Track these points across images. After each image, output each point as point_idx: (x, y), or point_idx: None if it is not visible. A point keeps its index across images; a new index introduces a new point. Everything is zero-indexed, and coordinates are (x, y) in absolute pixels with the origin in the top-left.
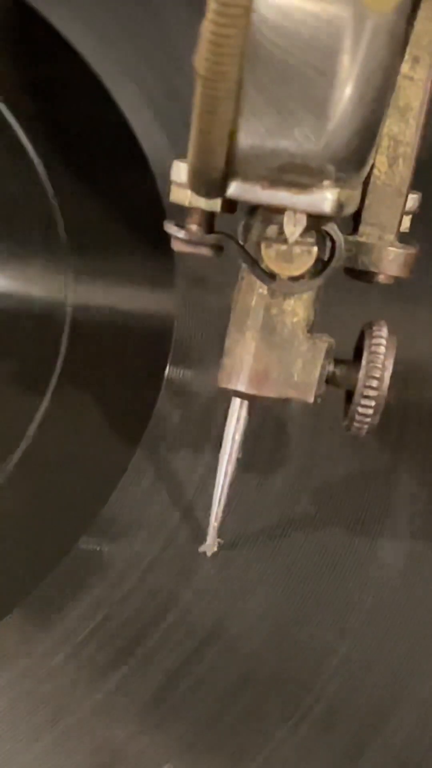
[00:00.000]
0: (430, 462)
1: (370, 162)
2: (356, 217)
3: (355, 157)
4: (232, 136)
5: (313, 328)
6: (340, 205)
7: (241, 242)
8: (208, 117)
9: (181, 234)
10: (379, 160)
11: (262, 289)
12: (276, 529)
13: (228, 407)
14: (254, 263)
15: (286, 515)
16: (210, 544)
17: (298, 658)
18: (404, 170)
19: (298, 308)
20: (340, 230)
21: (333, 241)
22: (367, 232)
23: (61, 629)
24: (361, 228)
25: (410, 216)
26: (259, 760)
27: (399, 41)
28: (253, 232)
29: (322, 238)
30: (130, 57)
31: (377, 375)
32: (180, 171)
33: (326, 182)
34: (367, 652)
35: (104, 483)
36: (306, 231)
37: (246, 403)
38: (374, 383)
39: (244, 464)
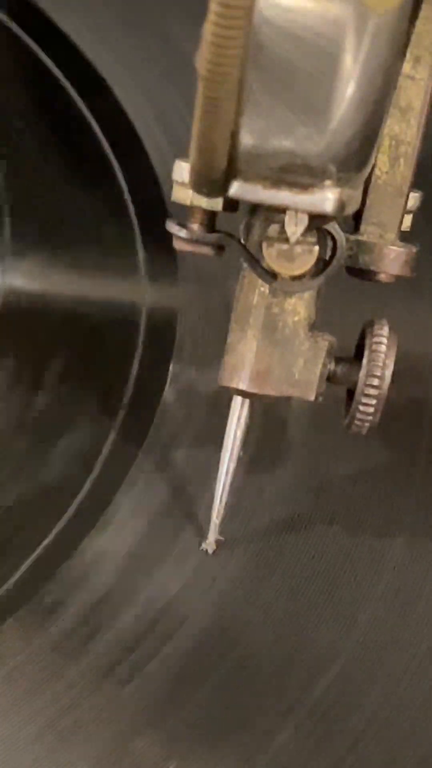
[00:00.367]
0: None
1: (372, 162)
2: (357, 217)
3: (356, 157)
4: (234, 136)
5: (314, 327)
6: (341, 205)
7: (242, 241)
8: (209, 117)
9: (183, 233)
10: (381, 160)
11: (264, 287)
12: (279, 528)
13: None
14: (256, 262)
15: (289, 513)
16: (211, 542)
17: (300, 656)
18: (405, 170)
19: (299, 307)
20: (342, 229)
21: (334, 240)
22: (368, 231)
23: (62, 628)
24: (363, 227)
25: (411, 215)
26: (262, 759)
27: (400, 41)
28: (255, 232)
29: (324, 237)
30: (134, 56)
31: (378, 373)
32: (182, 170)
33: (328, 182)
34: (371, 650)
35: (107, 480)
36: (307, 230)
37: (247, 401)
38: (375, 382)
39: (246, 463)
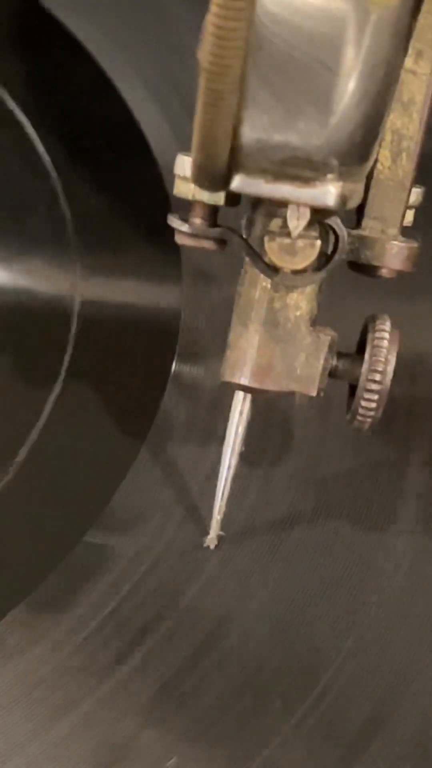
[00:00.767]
0: None
1: (374, 156)
2: (359, 211)
3: (358, 151)
4: (236, 129)
5: (316, 322)
6: (343, 199)
7: (244, 236)
8: (211, 110)
9: (185, 227)
10: (383, 155)
11: (266, 282)
12: (282, 524)
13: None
14: (257, 257)
15: (292, 510)
16: (212, 537)
17: (303, 652)
18: (407, 164)
19: (301, 302)
20: (344, 224)
21: (336, 234)
22: (370, 226)
23: (66, 623)
24: (365, 222)
25: (413, 210)
26: (264, 755)
27: (402, 35)
28: (257, 226)
29: (326, 231)
30: (136, 51)
31: (380, 369)
32: (184, 164)
33: (329, 176)
34: (373, 647)
35: (111, 477)
36: (309, 224)
37: (249, 396)
38: (377, 377)
39: (249, 459)
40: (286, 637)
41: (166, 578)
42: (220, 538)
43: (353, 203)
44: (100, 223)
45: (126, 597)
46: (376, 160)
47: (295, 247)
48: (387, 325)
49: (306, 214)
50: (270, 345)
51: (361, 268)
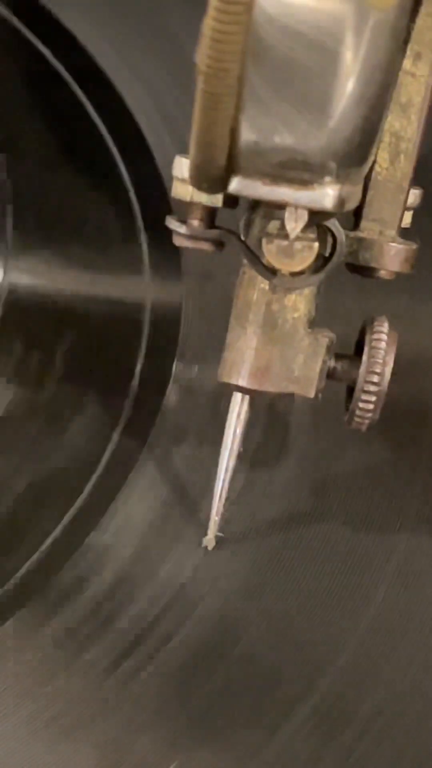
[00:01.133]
0: None
1: (372, 158)
2: (357, 213)
3: (356, 153)
4: (234, 132)
5: (314, 324)
6: (341, 201)
7: (242, 237)
8: (209, 113)
9: (183, 229)
10: (381, 156)
11: (264, 284)
12: (282, 525)
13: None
14: (255, 259)
15: (293, 510)
16: (210, 538)
17: (303, 653)
18: (406, 166)
19: (299, 303)
20: (342, 226)
21: (334, 236)
22: (368, 228)
23: (65, 625)
24: (363, 224)
25: (411, 212)
26: (264, 756)
27: (400, 37)
28: (255, 228)
29: (324, 233)
30: (136, 53)
31: (378, 370)
32: (182, 166)
33: (327, 178)
34: (374, 647)
35: (112, 478)
36: (307, 227)
37: (247, 397)
38: (375, 378)
39: (249, 460)
40: (287, 637)
41: (167, 579)
42: (218, 539)
43: (351, 205)
44: (99, 222)
45: (126, 598)
46: (374, 162)
47: (293, 250)
48: (385, 327)
49: (304, 217)
50: (268, 346)
51: (360, 269)
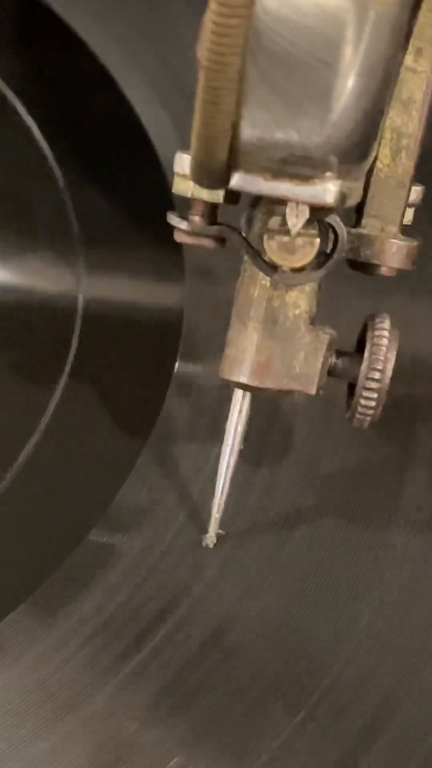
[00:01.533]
0: None
1: (373, 154)
2: (359, 209)
3: (357, 149)
4: (235, 127)
5: (315, 320)
6: (342, 197)
7: (243, 233)
8: (210, 108)
9: (184, 225)
10: (382, 153)
11: (265, 280)
12: (283, 524)
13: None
14: (256, 255)
15: (293, 509)
16: (211, 536)
17: (305, 651)
18: (407, 162)
19: (300, 300)
20: (343, 222)
21: (335, 233)
22: (369, 224)
23: (69, 623)
24: (364, 220)
25: (413, 208)
26: (266, 755)
27: (402, 33)
28: (256, 224)
29: (325, 230)
30: (139, 50)
31: (380, 367)
32: (183, 162)
33: (329, 174)
34: (374, 647)
35: (114, 477)
36: (308, 223)
37: (248, 395)
38: (377, 375)
39: (250, 458)
40: (288, 637)
41: (169, 578)
42: (219, 537)
43: (352, 201)
44: (102, 221)
45: (128, 597)
46: (375, 158)
47: (294, 245)
48: (386, 324)
49: (305, 212)
50: (269, 343)
51: (361, 266)
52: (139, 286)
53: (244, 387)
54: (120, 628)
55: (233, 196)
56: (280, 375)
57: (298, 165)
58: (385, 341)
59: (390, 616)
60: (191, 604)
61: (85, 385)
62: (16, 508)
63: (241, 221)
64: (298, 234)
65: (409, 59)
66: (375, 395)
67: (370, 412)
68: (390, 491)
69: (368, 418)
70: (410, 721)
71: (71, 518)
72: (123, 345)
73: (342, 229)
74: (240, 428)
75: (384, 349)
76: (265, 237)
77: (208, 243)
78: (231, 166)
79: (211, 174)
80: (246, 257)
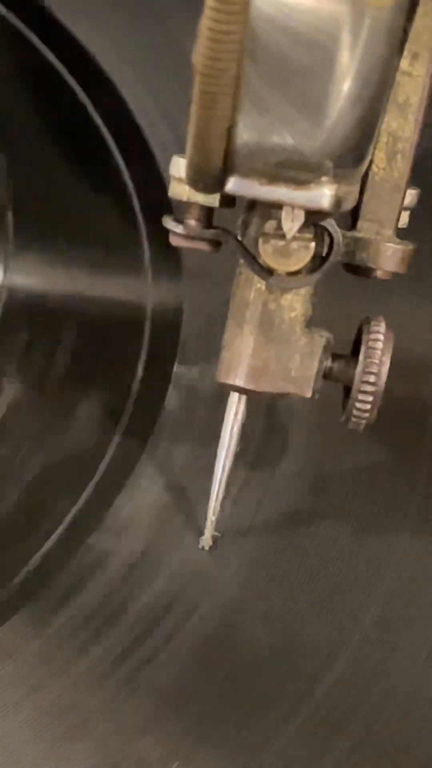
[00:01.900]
0: None
1: (369, 158)
2: (355, 213)
3: (353, 153)
4: (231, 131)
5: (311, 323)
6: (338, 201)
7: (239, 237)
8: (206, 113)
9: (179, 229)
10: (378, 156)
11: (260, 284)
12: (282, 525)
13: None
14: (252, 258)
15: (293, 511)
16: (207, 538)
17: (305, 653)
18: (403, 166)
19: (295, 303)
20: (339, 225)
21: (331, 236)
22: (365, 228)
23: (66, 626)
24: (360, 223)
25: (408, 212)
26: (264, 757)
27: (397, 37)
28: (252, 228)
29: (320, 233)
30: (136, 54)
31: (375, 370)
32: (179, 166)
33: (324, 178)
34: (375, 648)
35: (113, 478)
36: (304, 226)
37: (244, 397)
38: (372, 378)
39: (249, 461)
40: (287, 637)
41: (167, 580)
42: (216, 539)
43: (348, 205)
44: (100, 223)
45: (127, 599)
46: (371, 162)
47: (290, 249)
48: (381, 327)
49: (300, 216)
50: (265, 346)
51: (357, 269)
52: (137, 287)
53: (240, 390)
54: (119, 630)
55: (229, 200)
56: (276, 378)
57: (293, 169)
58: (380, 344)
59: (389, 618)
60: (190, 607)
61: (83, 386)
62: (14, 509)
63: (237, 225)
64: (294, 238)
65: (404, 63)
66: (370, 398)
67: (366, 414)
68: (388, 493)
69: (363, 421)
70: (409, 722)
71: (70, 520)
72: (122, 346)
73: (337, 233)
74: (236, 431)
75: (379, 352)
76: (261, 241)
77: (203, 246)
78: (226, 170)
79: (206, 178)
80: (241, 261)
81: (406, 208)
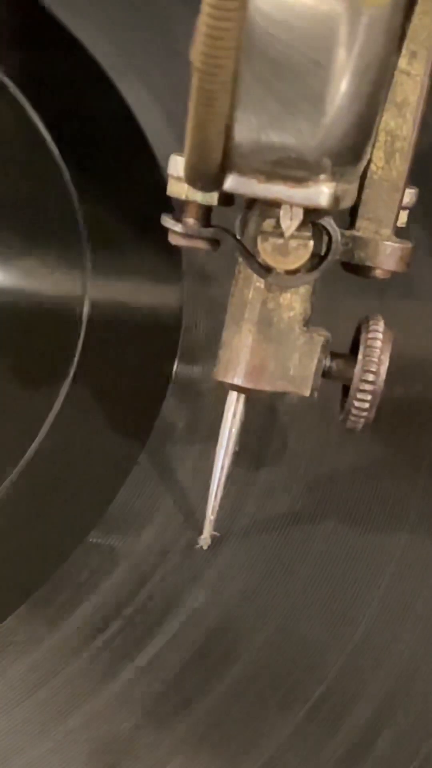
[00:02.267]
0: None
1: (367, 156)
2: (353, 212)
3: (351, 152)
4: (229, 129)
5: (309, 322)
6: (336, 199)
7: (237, 236)
8: (204, 110)
9: (178, 227)
10: (376, 155)
11: (259, 282)
12: (282, 525)
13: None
14: (251, 257)
15: (293, 510)
16: (206, 537)
17: (304, 652)
18: (401, 165)
19: (294, 302)
20: (338, 224)
21: (329, 235)
22: (363, 227)
23: (69, 624)
24: (358, 222)
25: (407, 211)
26: (265, 757)
27: (395, 35)
28: (250, 226)
29: (319, 232)
30: (137, 53)
31: (373, 369)
32: (177, 164)
33: (322, 176)
34: (375, 648)
35: (113, 478)
36: (302, 225)
37: (243, 396)
38: (370, 377)
39: (248, 460)
40: (288, 638)
41: (167, 580)
42: (215, 539)
43: (346, 204)
44: (100, 223)
45: (127, 599)
46: (369, 161)
47: (288, 248)
48: (380, 326)
49: (299, 215)
50: (263, 345)
51: (355, 268)
52: (138, 287)
53: (239, 389)
54: (119, 629)
55: (228, 198)
56: (275, 377)
57: (291, 167)
58: (378, 343)
59: (389, 619)
60: (190, 606)
61: (85, 387)
62: (16, 510)
63: (235, 223)
64: (292, 236)
65: (403, 62)
66: (369, 397)
67: (364, 413)
68: (387, 493)
69: (362, 420)
70: (409, 723)
71: (71, 520)
72: (121, 347)
73: (336, 232)
74: (234, 430)
75: (378, 351)
76: (259, 239)
77: (202, 245)
78: (224, 168)
79: (204, 177)
80: (240, 259)
81: (404, 207)
